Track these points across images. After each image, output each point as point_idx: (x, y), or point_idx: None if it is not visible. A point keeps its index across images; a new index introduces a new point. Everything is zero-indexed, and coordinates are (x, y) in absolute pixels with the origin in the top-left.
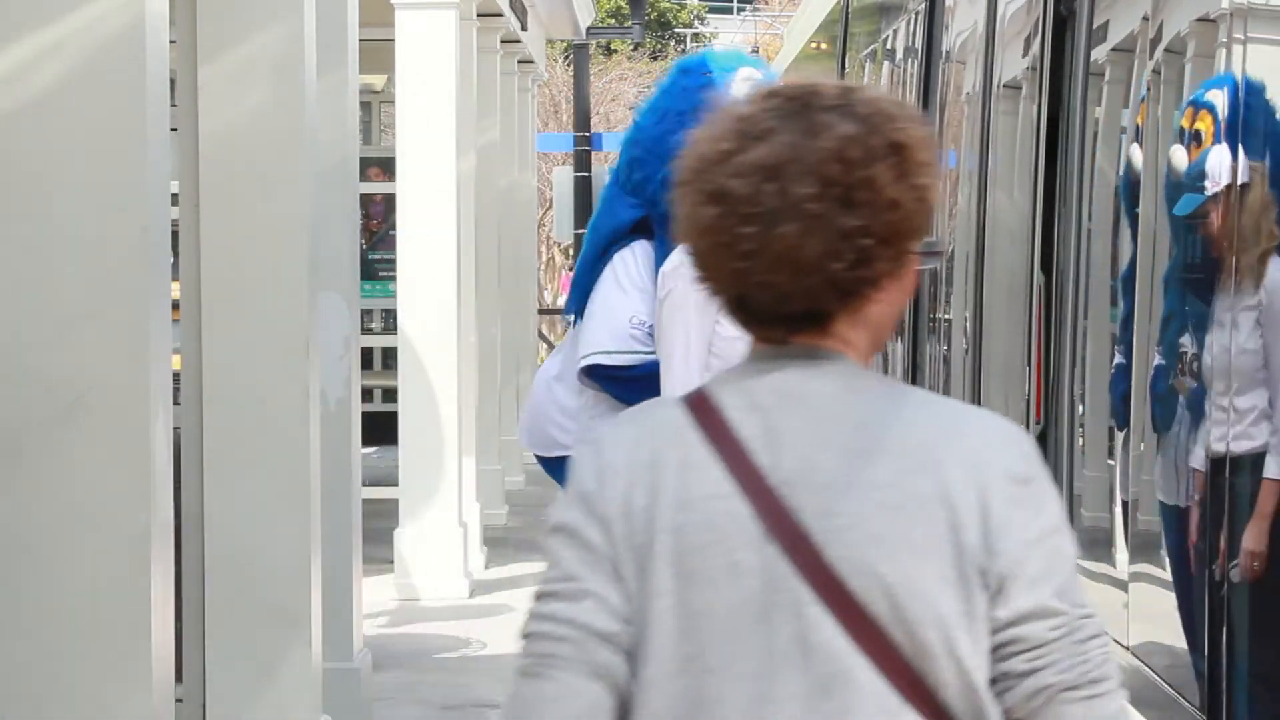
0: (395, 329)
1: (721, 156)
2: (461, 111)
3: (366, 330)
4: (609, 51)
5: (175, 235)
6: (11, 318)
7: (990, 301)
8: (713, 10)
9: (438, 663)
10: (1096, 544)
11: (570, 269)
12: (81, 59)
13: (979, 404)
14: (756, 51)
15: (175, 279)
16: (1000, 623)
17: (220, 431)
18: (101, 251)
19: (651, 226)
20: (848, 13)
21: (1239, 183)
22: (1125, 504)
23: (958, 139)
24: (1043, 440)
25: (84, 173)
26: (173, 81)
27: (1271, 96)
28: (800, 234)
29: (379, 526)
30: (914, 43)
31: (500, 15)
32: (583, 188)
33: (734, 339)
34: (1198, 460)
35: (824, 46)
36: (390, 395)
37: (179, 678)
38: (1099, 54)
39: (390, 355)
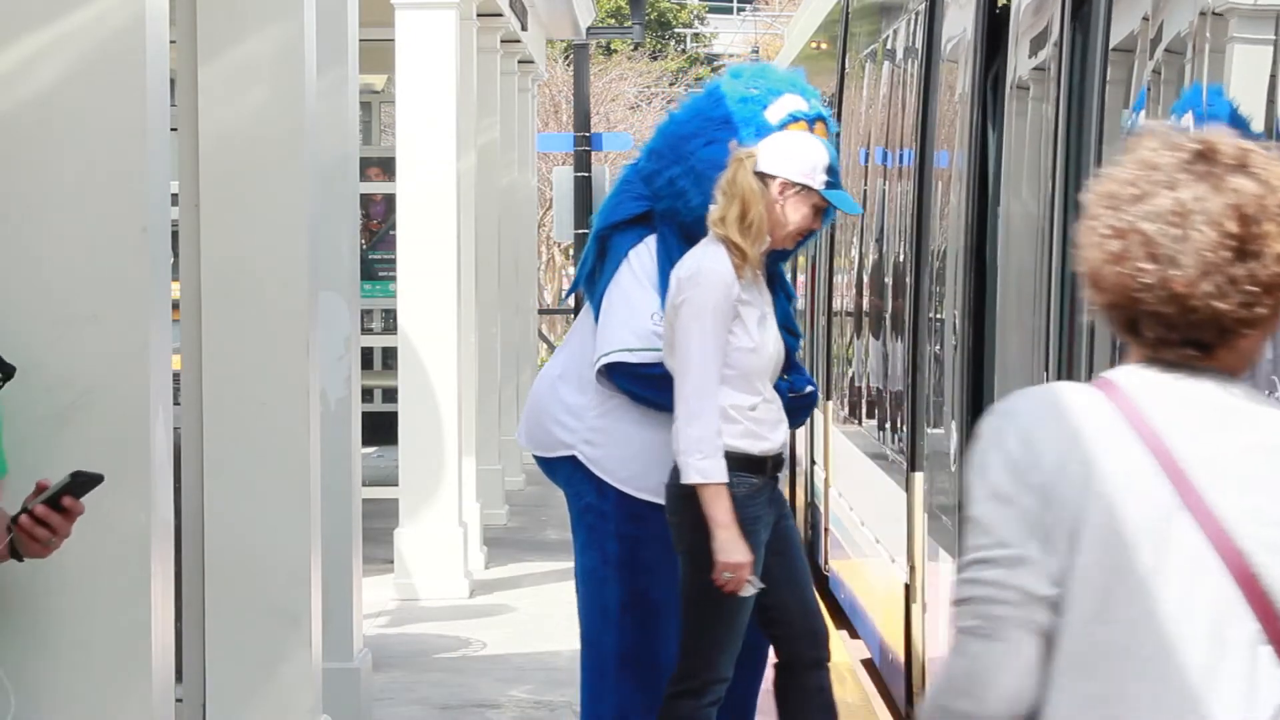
0: (395, 329)
1: (1133, 198)
2: (461, 111)
3: (366, 330)
4: (609, 51)
5: (175, 235)
6: (11, 318)
7: (1004, 303)
8: (713, 10)
9: (437, 663)
10: None
11: (573, 268)
12: (81, 58)
13: (980, 405)
14: (756, 52)
15: (175, 279)
16: None
17: (220, 431)
18: (101, 251)
19: (653, 220)
20: (848, 13)
21: None
22: None
23: (950, 139)
24: None
25: (84, 172)
26: (173, 81)
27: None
28: (1195, 277)
29: (379, 526)
30: (914, 43)
31: (500, 15)
32: (583, 188)
33: (749, 350)
34: None
35: (824, 46)
36: (390, 395)
37: (179, 678)
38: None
39: (390, 355)
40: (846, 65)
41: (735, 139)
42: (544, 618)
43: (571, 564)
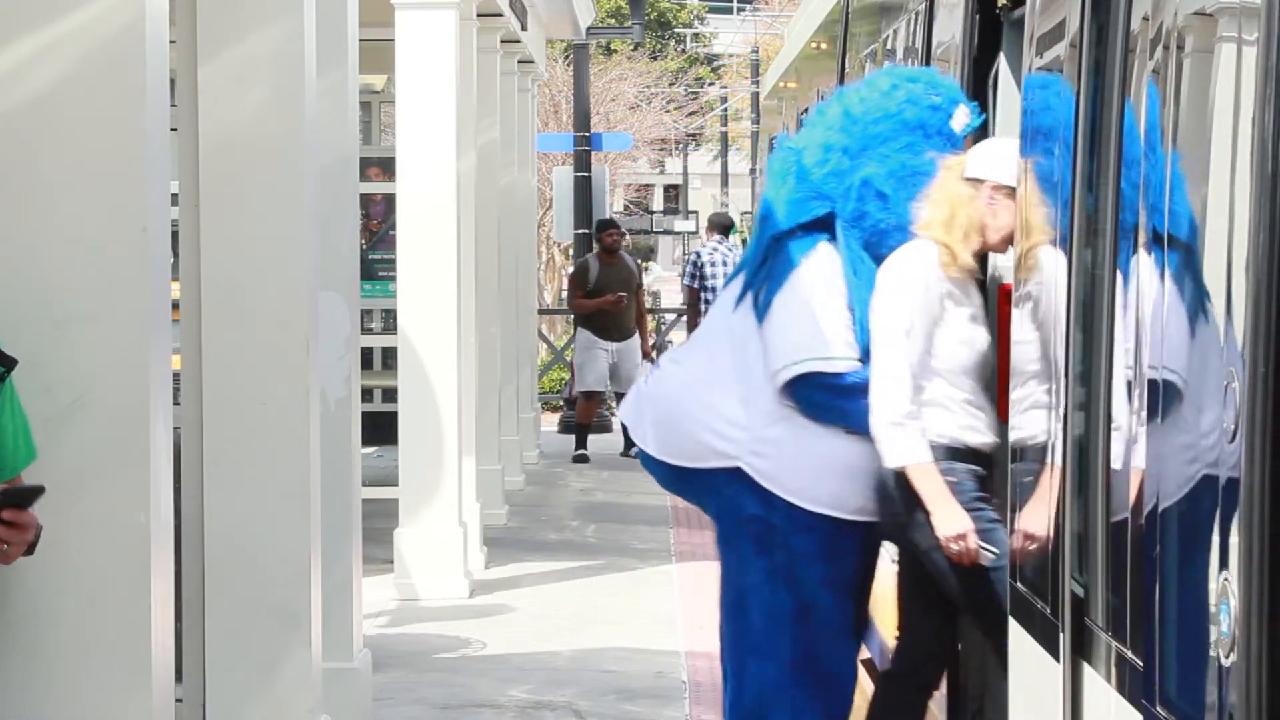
0: (395, 329)
1: None
2: (461, 111)
3: (366, 330)
4: (609, 51)
5: (175, 235)
6: (11, 317)
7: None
8: (713, 10)
9: (437, 663)
10: None
11: (572, 267)
12: (81, 58)
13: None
14: (756, 52)
15: (175, 279)
16: None
17: (220, 431)
18: (101, 251)
19: (832, 224)
20: (848, 13)
21: None
22: None
23: None
24: None
25: (84, 173)
26: (173, 81)
27: None
28: None
29: (379, 526)
30: (914, 43)
31: (500, 15)
32: (583, 188)
33: (961, 343)
34: None
35: (824, 46)
36: (390, 395)
37: (179, 678)
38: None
39: (390, 355)
40: (846, 65)
41: (930, 148)
42: (544, 618)
43: (571, 564)
